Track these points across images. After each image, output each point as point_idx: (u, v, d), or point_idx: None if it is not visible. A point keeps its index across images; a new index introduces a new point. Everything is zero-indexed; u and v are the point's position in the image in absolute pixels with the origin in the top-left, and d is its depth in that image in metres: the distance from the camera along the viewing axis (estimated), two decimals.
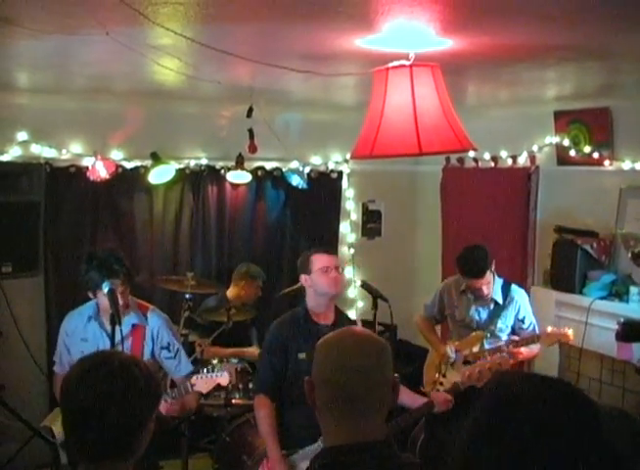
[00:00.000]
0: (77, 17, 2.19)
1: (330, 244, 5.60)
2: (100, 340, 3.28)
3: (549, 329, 3.93)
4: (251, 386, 4.13)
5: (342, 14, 2.11)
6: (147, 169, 4.94)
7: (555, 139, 4.69)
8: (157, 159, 4.88)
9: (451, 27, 2.33)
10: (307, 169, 5.54)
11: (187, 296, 4.46)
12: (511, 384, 1.23)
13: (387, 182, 5.91)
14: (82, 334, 3.33)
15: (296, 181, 5.42)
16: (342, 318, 3.31)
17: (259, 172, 5.41)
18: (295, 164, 5.48)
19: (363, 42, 2.55)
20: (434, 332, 4.45)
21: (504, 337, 4.06)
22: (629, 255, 4.10)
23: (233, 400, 4.11)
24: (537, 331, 4.04)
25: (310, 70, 2.87)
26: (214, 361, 4.31)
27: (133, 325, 3.33)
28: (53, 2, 2.03)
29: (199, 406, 3.66)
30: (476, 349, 4.03)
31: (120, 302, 3.11)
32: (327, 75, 2.94)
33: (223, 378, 3.27)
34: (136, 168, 4.99)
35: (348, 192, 5.85)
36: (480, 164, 5.36)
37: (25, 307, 4.75)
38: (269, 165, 5.45)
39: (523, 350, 3.94)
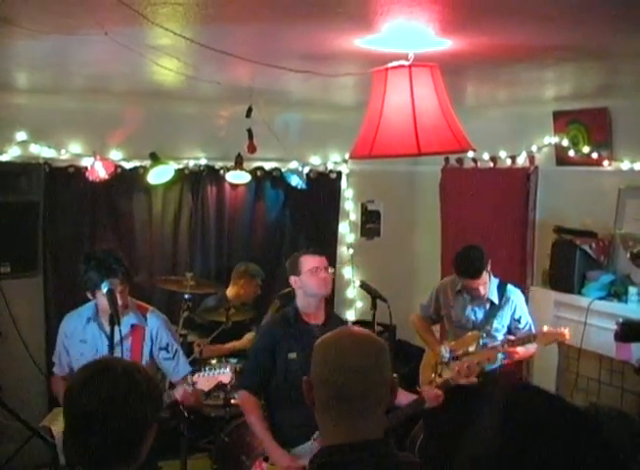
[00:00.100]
0: (76, 17, 2.19)
1: (329, 244, 5.61)
2: (99, 341, 3.26)
3: (545, 328, 3.92)
4: None
5: (342, 14, 2.11)
6: (146, 170, 4.94)
7: (554, 139, 4.69)
8: (156, 159, 4.88)
9: (450, 28, 2.33)
10: (306, 170, 5.54)
11: (186, 296, 4.45)
12: (510, 392, 1.24)
13: (386, 182, 5.91)
14: (81, 335, 3.32)
15: (295, 181, 5.42)
16: (332, 318, 3.32)
17: (258, 172, 5.41)
18: (294, 165, 5.47)
19: (362, 42, 2.55)
20: (431, 332, 4.44)
21: (500, 337, 4.05)
22: (628, 255, 4.11)
23: (232, 401, 4.11)
24: (533, 331, 4.04)
25: (310, 71, 2.87)
26: (213, 361, 4.31)
27: (132, 325, 3.31)
28: (52, 2, 2.03)
29: (199, 406, 3.65)
30: (472, 348, 4.03)
31: (119, 302, 3.08)
32: (326, 76, 2.94)
33: (225, 375, 3.23)
34: (135, 169, 4.99)
35: (347, 192, 5.85)
36: (479, 164, 5.36)
37: (24, 308, 4.75)
38: (268, 166, 5.45)
39: (519, 349, 3.93)
